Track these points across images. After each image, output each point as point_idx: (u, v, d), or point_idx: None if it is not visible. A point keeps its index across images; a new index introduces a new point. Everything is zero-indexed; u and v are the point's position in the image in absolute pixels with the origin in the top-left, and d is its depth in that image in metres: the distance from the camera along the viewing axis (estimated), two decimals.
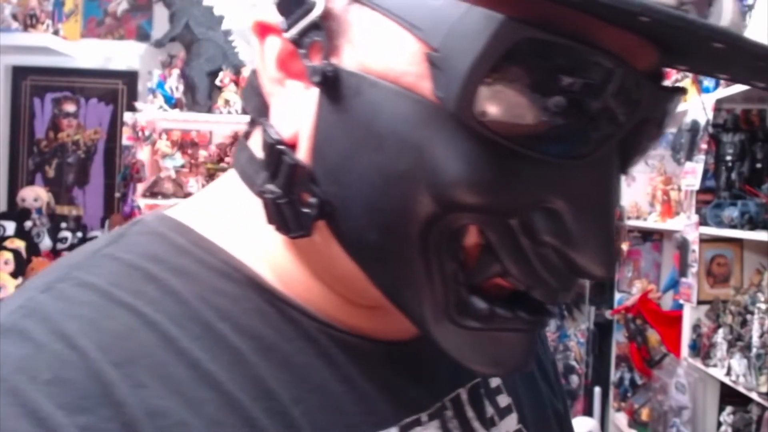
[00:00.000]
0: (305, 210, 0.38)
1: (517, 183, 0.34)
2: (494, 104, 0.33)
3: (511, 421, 0.49)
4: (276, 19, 0.39)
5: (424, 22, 0.33)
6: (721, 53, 0.32)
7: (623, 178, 0.40)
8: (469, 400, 0.46)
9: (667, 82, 0.38)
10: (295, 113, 0.39)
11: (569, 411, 0.61)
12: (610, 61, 0.33)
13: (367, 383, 0.41)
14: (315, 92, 0.37)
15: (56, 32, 3.29)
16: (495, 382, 0.49)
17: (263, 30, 0.39)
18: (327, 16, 0.37)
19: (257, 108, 0.41)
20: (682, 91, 0.38)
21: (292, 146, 0.39)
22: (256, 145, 0.43)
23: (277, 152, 0.39)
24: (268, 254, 0.42)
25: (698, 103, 2.46)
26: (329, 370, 0.41)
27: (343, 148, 0.36)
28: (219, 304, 0.39)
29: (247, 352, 0.38)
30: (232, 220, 0.43)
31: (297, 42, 0.38)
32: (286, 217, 0.39)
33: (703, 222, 2.42)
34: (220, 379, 0.37)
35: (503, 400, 0.49)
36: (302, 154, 0.38)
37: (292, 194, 0.38)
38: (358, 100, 0.35)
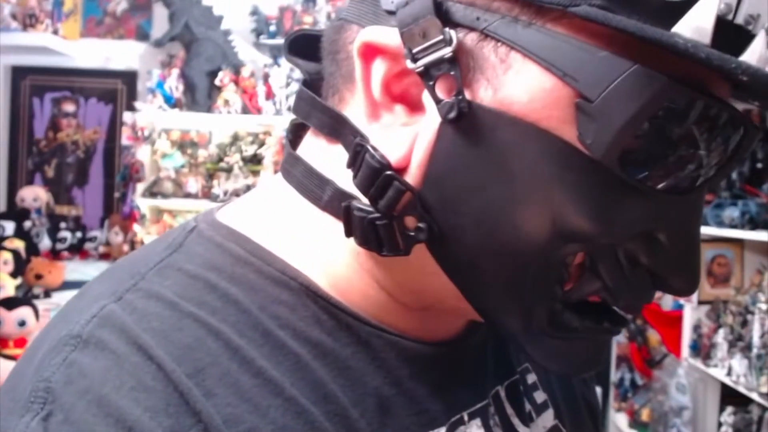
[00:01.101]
0: (410, 233, 0.40)
1: (632, 215, 0.37)
2: (636, 155, 0.36)
3: (548, 416, 0.51)
4: (393, 43, 0.38)
5: (579, 72, 0.35)
6: None
7: None
8: (507, 397, 0.49)
9: None
10: (405, 139, 0.39)
11: (600, 404, 0.64)
12: (734, 115, 0.36)
13: (416, 385, 0.43)
14: (432, 121, 0.38)
15: (55, 32, 3.29)
16: (531, 378, 0.52)
17: (372, 51, 0.39)
18: (459, 50, 0.37)
19: (327, 124, 0.43)
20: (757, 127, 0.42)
21: (399, 171, 0.40)
22: (312, 157, 0.44)
23: (387, 177, 0.39)
24: (324, 263, 0.43)
25: None
26: (382, 373, 0.42)
27: (466, 179, 0.38)
28: (278, 312, 0.41)
29: (307, 358, 0.40)
30: (288, 229, 0.44)
31: (423, 74, 0.38)
32: (381, 236, 0.40)
33: (703, 222, 2.41)
34: (284, 385, 0.39)
35: (540, 396, 0.52)
36: (411, 179, 0.39)
37: (392, 216, 0.40)
38: (493, 135, 0.37)
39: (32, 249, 3.14)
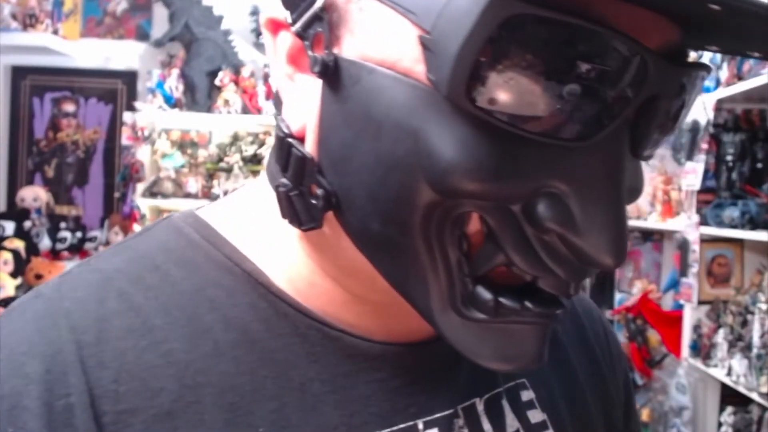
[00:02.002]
0: (314, 201, 0.38)
1: (517, 167, 0.33)
2: (488, 86, 0.32)
3: None
4: (283, 14, 0.39)
5: (416, 5, 0.33)
6: (736, 25, 0.30)
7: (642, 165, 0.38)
8: (486, 411, 0.45)
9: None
10: (303, 106, 0.39)
11: (633, 410, 0.58)
12: (610, 36, 0.31)
13: (355, 384, 0.41)
14: (320, 84, 0.38)
15: (55, 32, 3.29)
16: (527, 396, 0.47)
17: (275, 26, 0.40)
18: (328, 6, 0.36)
19: (276, 104, 0.42)
20: (700, 66, 0.36)
21: (301, 139, 0.39)
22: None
23: (287, 145, 0.39)
24: (277, 250, 0.43)
25: (699, 103, 2.46)
26: (315, 368, 0.40)
27: (345, 138, 0.36)
28: (214, 295, 0.41)
29: (229, 345, 0.39)
30: (249, 216, 0.44)
31: (301, 35, 0.38)
32: (297, 209, 0.39)
33: (703, 222, 2.41)
34: (188, 369, 0.38)
35: (536, 415, 0.47)
36: (309, 146, 0.39)
37: (302, 186, 0.38)
38: (356, 88, 0.35)
39: (32, 249, 3.14)
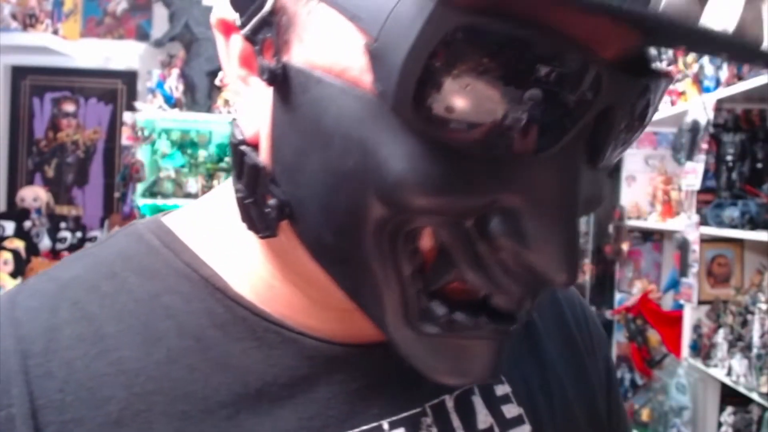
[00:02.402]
0: (267, 210, 0.37)
1: (468, 182, 0.32)
2: (435, 98, 0.30)
3: None
4: (232, 15, 0.37)
5: (364, 10, 0.31)
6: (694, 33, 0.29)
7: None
8: (456, 408, 0.44)
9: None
10: (257, 111, 0.38)
11: (618, 413, 0.57)
12: (561, 48, 0.30)
13: (315, 387, 0.40)
14: (267, 89, 0.36)
15: (55, 32, 3.29)
16: (502, 390, 0.46)
17: (226, 28, 0.38)
18: (278, 10, 0.35)
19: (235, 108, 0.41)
20: (658, 76, 0.34)
21: (256, 145, 0.38)
22: None
23: (240, 152, 0.38)
24: (238, 255, 0.42)
25: (699, 103, 2.46)
26: (274, 371, 0.40)
27: (296, 148, 0.35)
28: (169, 302, 0.40)
29: (183, 352, 0.39)
30: (212, 220, 0.43)
31: (251, 39, 0.36)
32: (253, 216, 0.38)
33: (703, 222, 2.42)
34: (138, 378, 0.37)
35: (512, 410, 0.46)
36: (263, 153, 0.38)
37: (256, 194, 0.38)
38: (305, 97, 0.34)
39: (32, 249, 3.14)
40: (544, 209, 0.32)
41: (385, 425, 0.41)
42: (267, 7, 0.35)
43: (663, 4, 0.26)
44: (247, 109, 0.38)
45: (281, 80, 0.35)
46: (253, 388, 0.39)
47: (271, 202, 0.37)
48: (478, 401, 0.45)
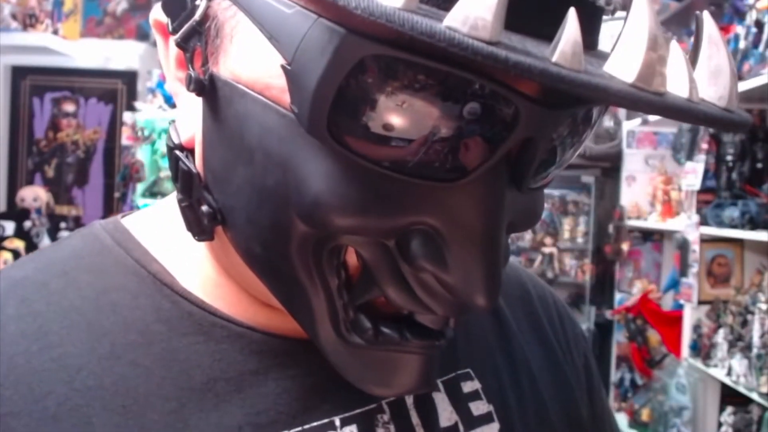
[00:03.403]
0: (201, 215, 0.37)
1: (386, 204, 0.32)
2: (349, 124, 0.31)
3: (489, 431, 0.45)
4: (165, 19, 0.37)
5: (280, 32, 0.31)
6: None
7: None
8: (416, 405, 0.43)
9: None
10: (192, 116, 0.38)
11: (601, 407, 0.56)
12: (473, 80, 0.30)
13: (264, 381, 0.40)
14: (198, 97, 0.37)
15: (55, 32, 3.29)
16: (471, 386, 0.46)
17: (164, 30, 0.38)
18: (207, 19, 0.35)
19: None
20: (581, 105, 0.33)
21: (192, 150, 0.38)
22: None
23: (174, 157, 0.39)
24: (186, 253, 0.42)
25: None
26: (220, 366, 0.39)
27: (223, 158, 0.35)
28: (116, 299, 0.40)
29: (127, 347, 0.39)
30: (166, 221, 0.44)
31: (182, 46, 0.36)
32: (189, 220, 0.39)
33: (703, 222, 2.41)
34: (79, 373, 0.37)
35: (480, 407, 0.45)
36: (197, 159, 0.38)
37: (191, 199, 0.38)
38: (231, 110, 0.34)
39: (32, 249, 3.14)
40: (463, 233, 0.32)
41: (337, 421, 0.40)
42: (196, 16, 0.35)
43: (556, 55, 0.26)
44: (184, 112, 0.38)
45: (209, 90, 0.35)
46: (198, 383, 0.39)
47: (204, 208, 0.37)
48: (441, 398, 0.44)
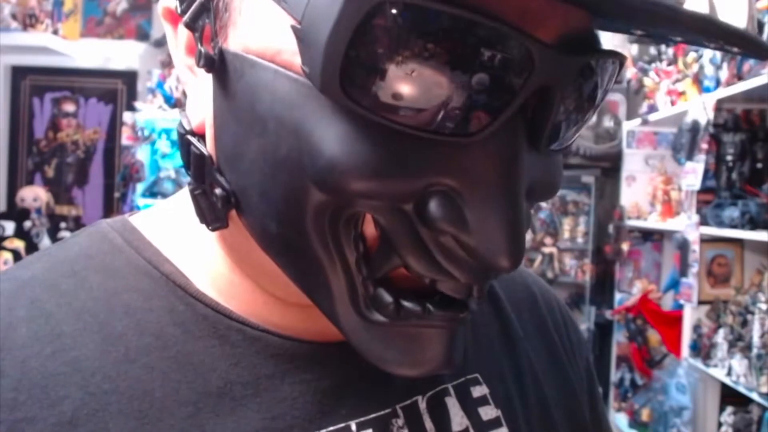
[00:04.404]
0: (215, 200, 0.37)
1: (403, 165, 0.31)
2: (362, 78, 0.30)
3: None
4: (175, 3, 0.37)
5: None
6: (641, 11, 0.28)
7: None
8: (429, 410, 0.43)
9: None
10: (202, 100, 0.38)
11: (600, 411, 0.56)
12: (487, 25, 0.29)
13: (280, 385, 0.39)
14: (208, 76, 0.36)
15: (56, 32, 3.29)
16: (480, 391, 0.45)
17: (173, 17, 0.38)
18: None
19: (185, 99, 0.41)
20: (599, 54, 0.33)
21: (203, 135, 0.38)
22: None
23: (186, 142, 0.38)
24: (199, 251, 0.41)
25: (699, 103, 2.46)
26: (236, 370, 0.39)
27: (235, 135, 0.35)
28: (129, 300, 0.39)
29: (142, 350, 0.38)
30: (176, 218, 0.43)
31: (191, 27, 0.36)
32: (203, 208, 0.38)
33: (703, 222, 2.42)
34: (96, 377, 0.36)
35: (489, 412, 0.45)
36: (209, 143, 0.37)
37: (204, 185, 0.37)
38: (241, 82, 0.34)
39: (32, 249, 3.14)
40: (483, 192, 0.31)
41: (353, 426, 0.40)
42: None
43: None
44: (194, 98, 0.38)
45: (219, 66, 0.35)
46: (214, 387, 0.38)
47: (218, 191, 0.36)
48: (453, 402, 0.44)
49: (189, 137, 0.38)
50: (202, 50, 0.35)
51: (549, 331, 0.54)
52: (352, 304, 0.35)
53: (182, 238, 0.42)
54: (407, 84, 0.30)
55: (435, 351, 0.36)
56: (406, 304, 0.34)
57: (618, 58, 0.34)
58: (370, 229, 0.34)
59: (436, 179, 0.32)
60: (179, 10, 0.37)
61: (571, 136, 0.35)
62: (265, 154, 0.33)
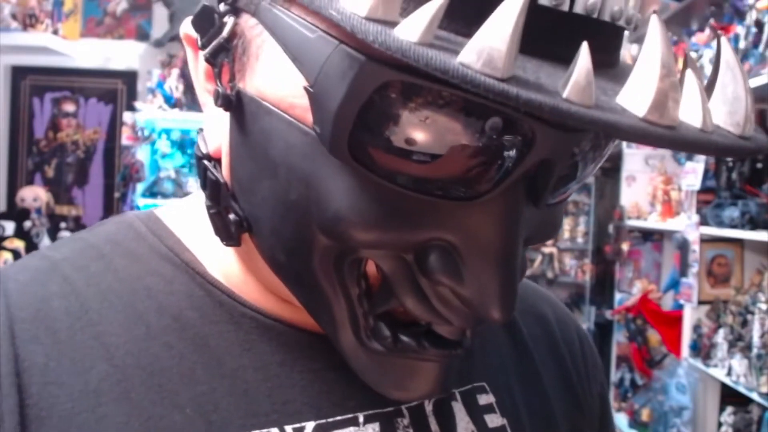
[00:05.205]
0: (228, 223, 0.39)
1: (405, 220, 0.33)
2: (370, 145, 0.32)
3: None
4: (194, 34, 0.39)
5: (303, 55, 0.32)
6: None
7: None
8: (434, 413, 0.44)
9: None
10: (219, 127, 0.39)
11: (609, 423, 0.57)
12: (488, 106, 0.30)
13: (290, 374, 0.41)
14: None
15: (56, 32, 3.29)
16: (486, 399, 0.47)
17: (194, 43, 0.40)
18: (234, 36, 0.36)
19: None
20: (597, 128, 0.34)
21: (219, 159, 0.40)
22: None
23: (203, 166, 0.40)
24: (216, 248, 0.43)
25: None
26: (249, 356, 0.41)
27: (250, 171, 0.37)
28: (151, 284, 0.42)
29: (161, 330, 0.40)
30: (198, 214, 0.44)
31: (210, 62, 0.37)
32: (218, 226, 0.40)
33: (703, 222, 2.42)
34: (117, 351, 0.39)
35: (494, 420, 0.46)
36: (224, 169, 0.40)
37: (219, 206, 0.40)
38: (256, 126, 0.36)
39: (32, 249, 3.14)
40: (480, 250, 0.34)
41: (361, 418, 0.42)
42: (224, 33, 0.36)
43: (567, 90, 0.27)
44: (211, 124, 0.40)
45: (236, 106, 0.37)
46: (228, 369, 0.40)
47: (231, 216, 0.39)
48: (458, 407, 0.45)
49: (205, 162, 0.40)
50: (220, 90, 0.36)
51: (560, 350, 0.55)
52: (354, 332, 0.37)
53: (201, 234, 0.44)
54: (411, 150, 0.32)
55: (426, 381, 0.39)
56: (404, 338, 0.37)
57: (614, 137, 0.36)
58: (372, 269, 0.37)
59: (436, 234, 0.34)
60: (199, 43, 0.38)
61: (572, 187, 0.37)
62: (276, 195, 0.35)
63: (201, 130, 0.42)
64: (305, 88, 0.32)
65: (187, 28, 0.40)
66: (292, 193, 0.35)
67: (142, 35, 3.65)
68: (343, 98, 0.31)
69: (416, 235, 0.34)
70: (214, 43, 0.37)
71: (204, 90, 0.40)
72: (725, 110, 0.31)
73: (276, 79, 0.35)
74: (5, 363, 0.37)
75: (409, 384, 0.39)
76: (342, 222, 0.33)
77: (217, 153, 0.40)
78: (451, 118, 0.31)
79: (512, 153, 0.32)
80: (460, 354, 0.38)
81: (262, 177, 0.36)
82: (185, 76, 3.37)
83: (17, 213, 3.36)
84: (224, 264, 0.43)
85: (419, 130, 0.31)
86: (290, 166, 0.34)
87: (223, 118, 0.39)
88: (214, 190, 0.40)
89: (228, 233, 0.39)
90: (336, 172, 0.33)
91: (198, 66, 0.40)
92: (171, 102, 3.32)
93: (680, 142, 0.28)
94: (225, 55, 0.37)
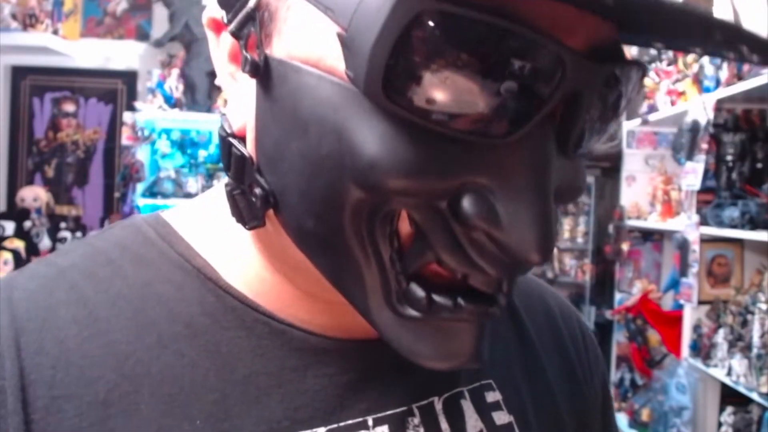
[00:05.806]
0: (254, 200, 0.38)
1: (439, 164, 0.33)
2: (404, 82, 0.32)
3: None
4: (221, 13, 0.40)
5: (335, 2, 0.33)
6: (670, 21, 0.30)
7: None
8: (444, 411, 0.44)
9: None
10: (244, 105, 0.39)
11: (610, 413, 0.58)
12: (523, 34, 0.31)
13: (302, 378, 0.41)
14: (251, 82, 0.38)
15: (56, 32, 3.29)
16: (493, 397, 0.47)
17: (217, 26, 0.41)
18: (260, 6, 0.37)
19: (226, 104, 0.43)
20: (624, 63, 0.35)
21: (243, 137, 0.40)
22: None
23: (228, 144, 0.40)
24: (230, 247, 0.43)
25: (699, 103, 2.46)
26: (261, 361, 0.41)
27: (277, 137, 0.37)
28: (162, 290, 0.42)
29: (172, 338, 0.40)
30: (208, 215, 0.45)
31: (236, 35, 0.38)
32: (241, 208, 0.40)
33: (703, 222, 2.42)
34: (130, 361, 0.39)
35: (501, 417, 0.46)
36: (249, 144, 0.39)
37: (243, 185, 0.39)
38: (285, 87, 0.36)
39: (32, 249, 3.14)
40: (515, 189, 0.33)
41: (370, 421, 0.42)
42: (251, 4, 0.37)
43: None
44: (236, 103, 0.40)
45: (263, 72, 0.37)
46: (240, 375, 0.40)
47: (257, 191, 0.38)
48: (468, 406, 0.45)
49: (231, 139, 0.40)
50: (248, 57, 0.36)
51: (565, 344, 0.55)
52: (385, 299, 0.36)
53: (213, 235, 0.44)
54: (446, 88, 0.32)
55: (464, 345, 0.37)
56: (438, 298, 0.36)
57: (641, 68, 0.37)
58: (404, 226, 0.36)
59: (470, 178, 0.33)
60: (225, 20, 0.39)
61: (595, 142, 0.37)
62: (305, 155, 0.35)
63: (224, 114, 0.42)
64: (338, 35, 0.33)
65: (210, 11, 0.41)
66: (323, 147, 0.34)
67: (142, 35, 3.65)
68: (379, 32, 0.31)
69: (450, 180, 0.33)
70: (241, 14, 0.37)
71: (227, 74, 0.40)
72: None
73: (304, 37, 0.35)
74: (10, 378, 0.37)
75: (446, 351, 0.37)
76: (377, 169, 0.33)
77: (241, 131, 0.40)
78: (482, 54, 0.31)
79: (544, 87, 0.32)
80: (495, 312, 0.37)
81: (290, 140, 0.35)
82: (185, 76, 3.37)
83: (17, 213, 3.35)
84: (239, 265, 0.43)
85: (451, 68, 0.31)
86: (321, 121, 0.34)
87: (248, 93, 0.39)
88: (239, 167, 0.39)
89: (252, 213, 0.39)
90: (369, 118, 0.33)
91: (221, 49, 0.40)
92: (171, 102, 3.32)
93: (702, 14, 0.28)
94: (252, 25, 0.37)
